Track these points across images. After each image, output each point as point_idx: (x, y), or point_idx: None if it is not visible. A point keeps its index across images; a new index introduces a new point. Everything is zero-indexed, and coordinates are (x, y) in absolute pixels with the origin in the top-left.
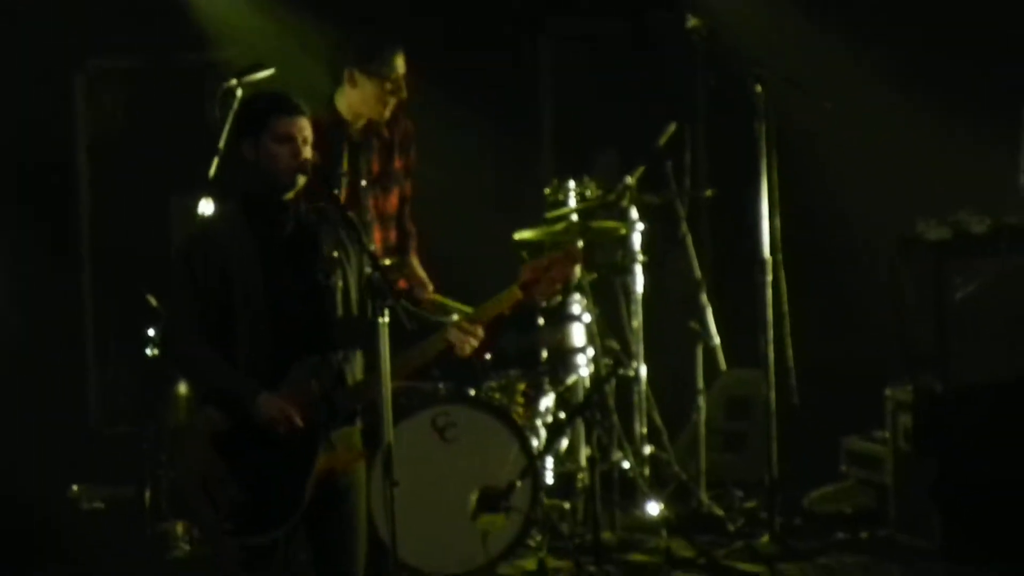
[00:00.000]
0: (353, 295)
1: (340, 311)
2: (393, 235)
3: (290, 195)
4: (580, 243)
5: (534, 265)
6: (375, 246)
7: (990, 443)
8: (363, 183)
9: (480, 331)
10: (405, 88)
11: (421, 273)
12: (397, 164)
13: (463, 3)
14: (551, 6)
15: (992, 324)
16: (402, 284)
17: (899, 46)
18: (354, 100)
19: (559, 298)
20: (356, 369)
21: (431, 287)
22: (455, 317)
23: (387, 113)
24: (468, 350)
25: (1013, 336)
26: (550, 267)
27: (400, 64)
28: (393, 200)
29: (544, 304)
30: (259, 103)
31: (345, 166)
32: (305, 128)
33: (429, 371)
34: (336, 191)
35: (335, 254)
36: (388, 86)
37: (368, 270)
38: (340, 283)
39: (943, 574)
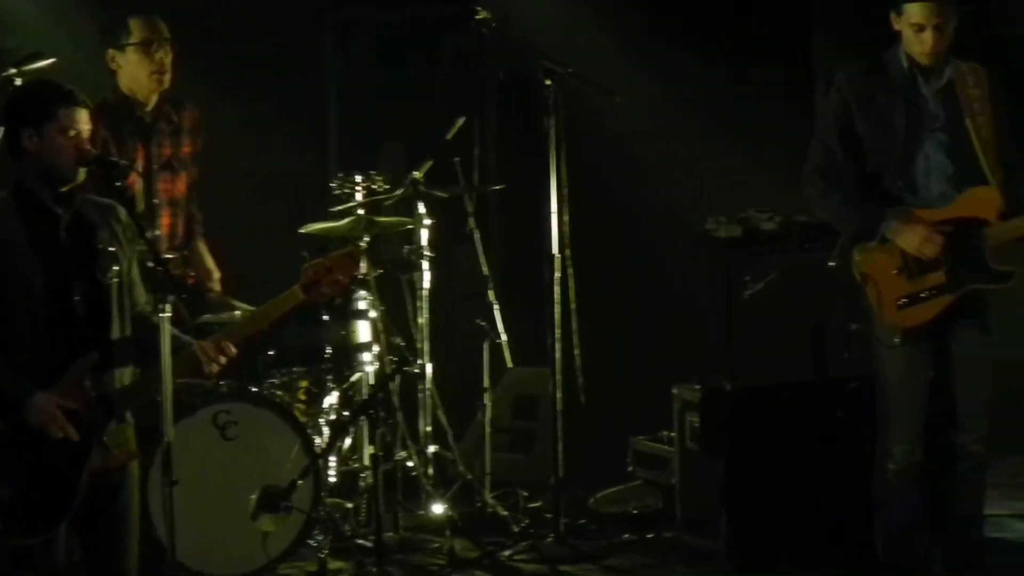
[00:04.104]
0: (127, 292)
1: (116, 308)
2: (181, 222)
3: (68, 187)
4: (365, 240)
5: (315, 266)
6: (161, 232)
7: (777, 443)
8: (154, 167)
9: (231, 350)
10: (168, 49)
11: (208, 261)
12: (186, 150)
13: None
14: None
15: (780, 322)
16: (190, 279)
17: (688, 46)
18: (126, 81)
19: (340, 300)
20: (128, 370)
21: (218, 275)
22: (238, 314)
23: (166, 80)
24: (215, 369)
25: (800, 334)
26: (332, 268)
27: (145, 26)
28: (181, 185)
29: (329, 301)
30: (42, 93)
31: (137, 149)
32: (87, 120)
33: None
34: (119, 184)
35: (111, 249)
36: (144, 51)
37: (149, 264)
38: (116, 280)
39: (728, 575)
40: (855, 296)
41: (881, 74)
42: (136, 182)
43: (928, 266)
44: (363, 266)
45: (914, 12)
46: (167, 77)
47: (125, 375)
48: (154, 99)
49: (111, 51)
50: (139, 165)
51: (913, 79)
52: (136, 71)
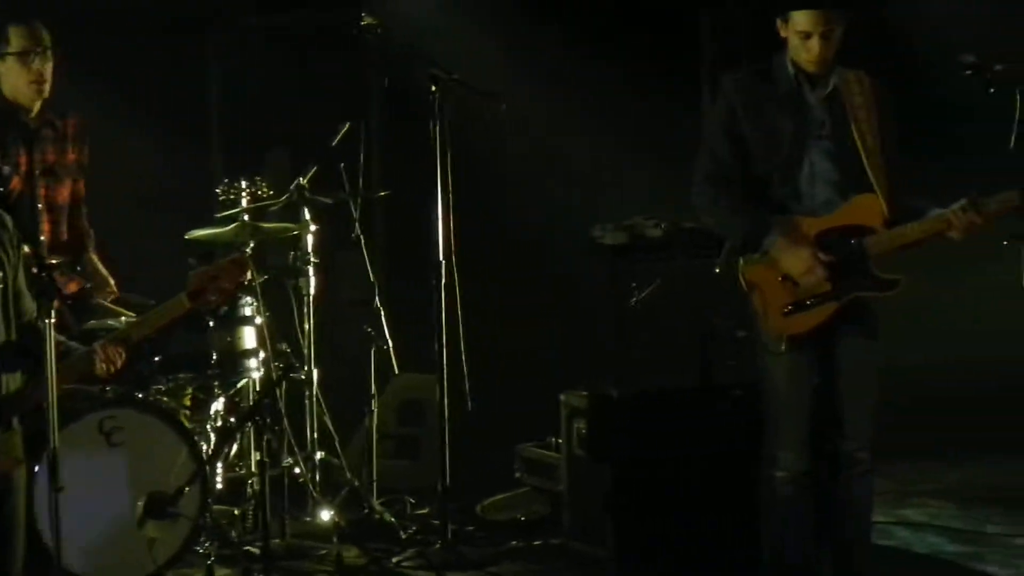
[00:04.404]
0: (14, 300)
1: (1, 314)
2: (64, 228)
3: None
4: (251, 246)
5: (202, 274)
6: (44, 237)
7: (664, 449)
8: (36, 172)
9: (121, 355)
10: (48, 56)
11: (103, 270)
12: (71, 157)
13: None
14: None
15: (667, 328)
16: (72, 286)
17: (576, 53)
18: (7, 88)
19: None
20: (15, 376)
21: (112, 282)
22: (124, 321)
23: (46, 89)
24: (108, 372)
25: (687, 341)
26: (218, 275)
27: (24, 35)
28: (64, 192)
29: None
30: None
31: (20, 155)
32: None
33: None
34: (2, 190)
35: None
36: (22, 61)
37: (34, 269)
38: (1, 286)
39: None
40: (741, 303)
41: (767, 81)
42: (18, 187)
43: None
44: (249, 274)
45: (801, 20)
46: (47, 86)
47: (12, 381)
48: (37, 106)
49: None
50: (21, 172)
51: (799, 86)
52: (15, 80)
